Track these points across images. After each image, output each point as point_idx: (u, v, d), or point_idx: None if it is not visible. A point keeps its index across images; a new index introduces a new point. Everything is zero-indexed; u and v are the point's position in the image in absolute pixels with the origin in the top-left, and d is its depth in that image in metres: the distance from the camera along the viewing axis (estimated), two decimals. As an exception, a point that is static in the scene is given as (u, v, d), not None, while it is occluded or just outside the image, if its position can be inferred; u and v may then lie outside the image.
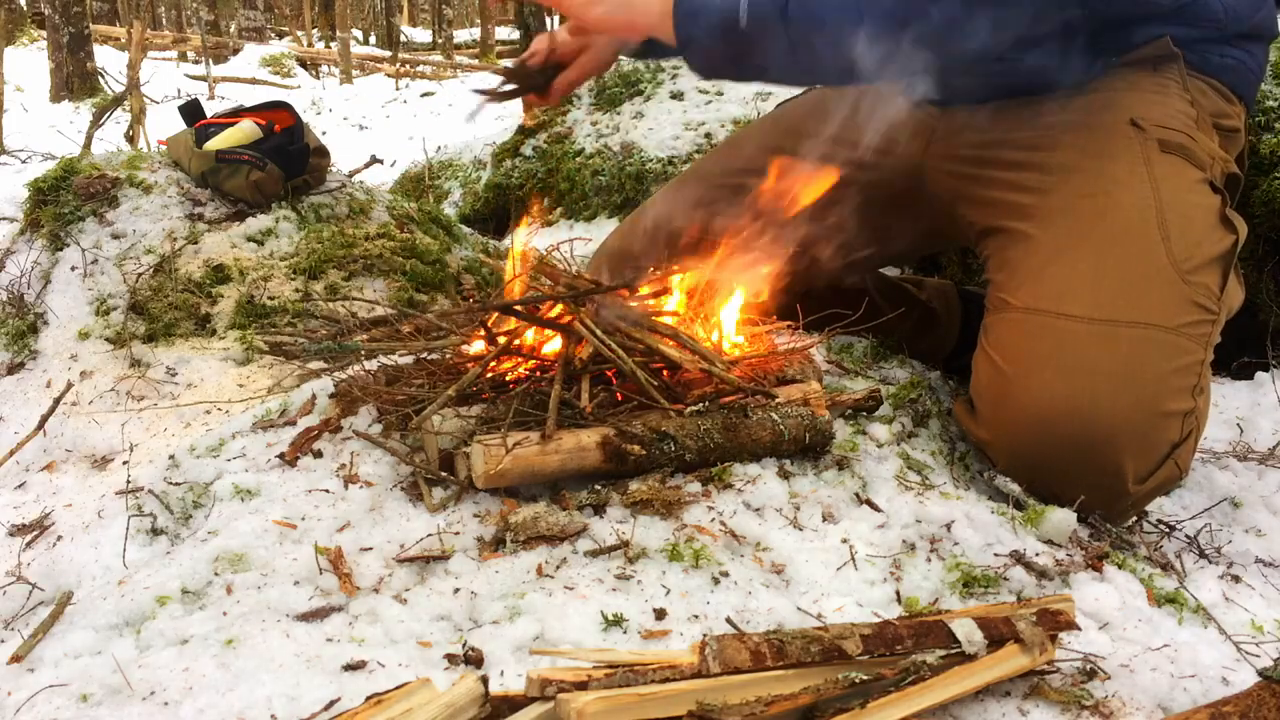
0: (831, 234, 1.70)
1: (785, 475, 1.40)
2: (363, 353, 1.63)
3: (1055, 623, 1.06)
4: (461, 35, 21.85)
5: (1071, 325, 1.46)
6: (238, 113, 2.57)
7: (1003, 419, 1.50)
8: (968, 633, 1.01)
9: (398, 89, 12.71)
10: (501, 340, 1.49)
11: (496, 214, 4.26)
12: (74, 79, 10.74)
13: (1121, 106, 1.58)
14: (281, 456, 1.45)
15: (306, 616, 1.15)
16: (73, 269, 2.20)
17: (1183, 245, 1.49)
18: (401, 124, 10.00)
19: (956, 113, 1.73)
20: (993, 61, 1.56)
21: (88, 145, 4.41)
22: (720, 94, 4.08)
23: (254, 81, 12.85)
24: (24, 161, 6.50)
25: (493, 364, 1.47)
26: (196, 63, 13.87)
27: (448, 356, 1.58)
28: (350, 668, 1.05)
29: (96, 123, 4.62)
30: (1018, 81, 1.64)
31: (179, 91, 10.88)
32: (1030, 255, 1.56)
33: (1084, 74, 1.61)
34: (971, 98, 1.71)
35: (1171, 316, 1.45)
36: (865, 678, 0.95)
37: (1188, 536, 1.53)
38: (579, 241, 1.92)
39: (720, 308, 1.63)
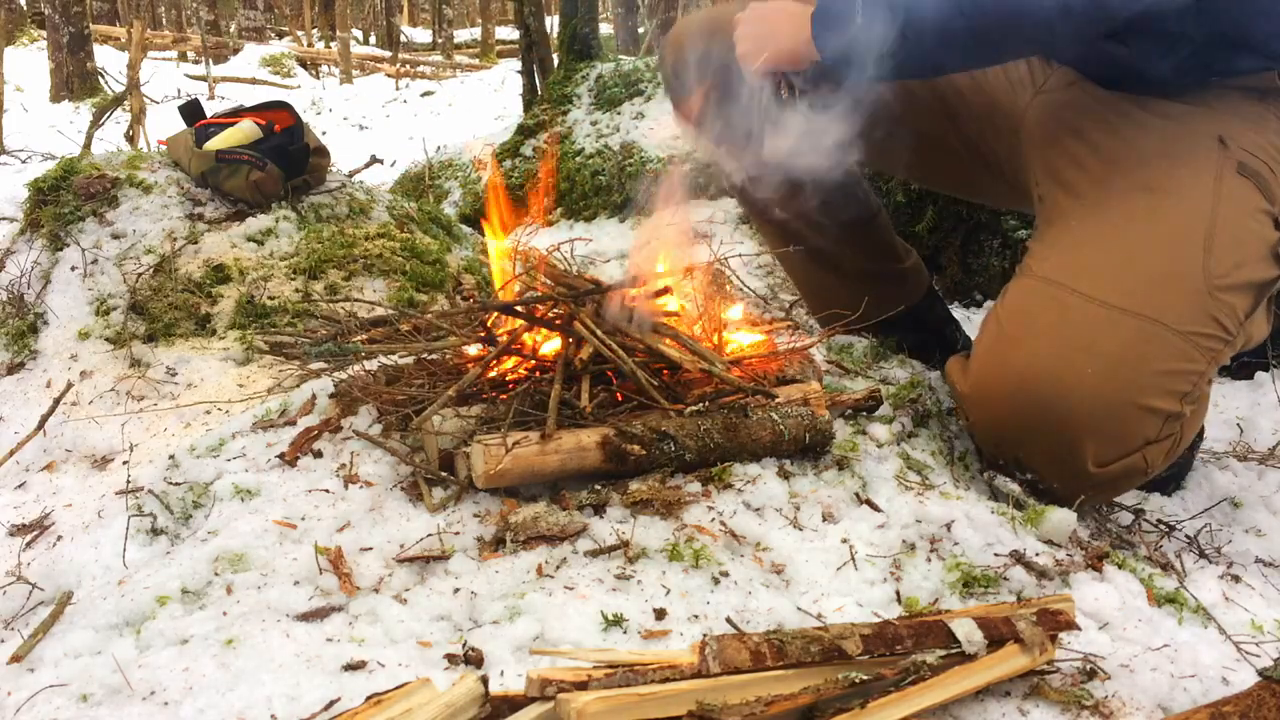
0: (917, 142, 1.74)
1: (785, 475, 1.40)
2: (363, 354, 1.62)
3: (1055, 623, 1.06)
4: (461, 35, 21.84)
5: (1082, 303, 1.46)
6: (238, 113, 2.57)
7: (986, 376, 1.52)
8: (968, 633, 1.01)
9: (398, 89, 12.70)
10: (503, 338, 1.49)
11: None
12: (74, 79, 10.74)
13: (1215, 121, 1.56)
14: (281, 456, 1.45)
15: (306, 616, 1.15)
16: (73, 269, 2.20)
17: (1222, 262, 1.47)
18: (401, 124, 10.00)
19: (1068, 74, 1.72)
20: (1103, 40, 1.56)
21: (88, 145, 4.41)
22: (720, 94, 4.07)
23: (254, 81, 12.83)
24: (24, 161, 6.50)
25: (493, 363, 1.47)
26: (196, 63, 13.86)
27: (448, 357, 1.58)
28: (350, 668, 1.05)
29: (96, 123, 4.62)
30: (1123, 72, 1.63)
31: (179, 91, 10.88)
32: (1068, 232, 1.56)
33: (1188, 83, 1.59)
34: (1082, 67, 1.70)
35: (1184, 321, 1.45)
36: (865, 678, 0.95)
37: (1188, 536, 1.53)
38: (579, 242, 1.93)
39: (720, 308, 1.63)
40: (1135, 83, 1.63)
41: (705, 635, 0.95)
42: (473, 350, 1.57)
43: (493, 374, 1.47)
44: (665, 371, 1.48)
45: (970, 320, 2.57)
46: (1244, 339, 1.53)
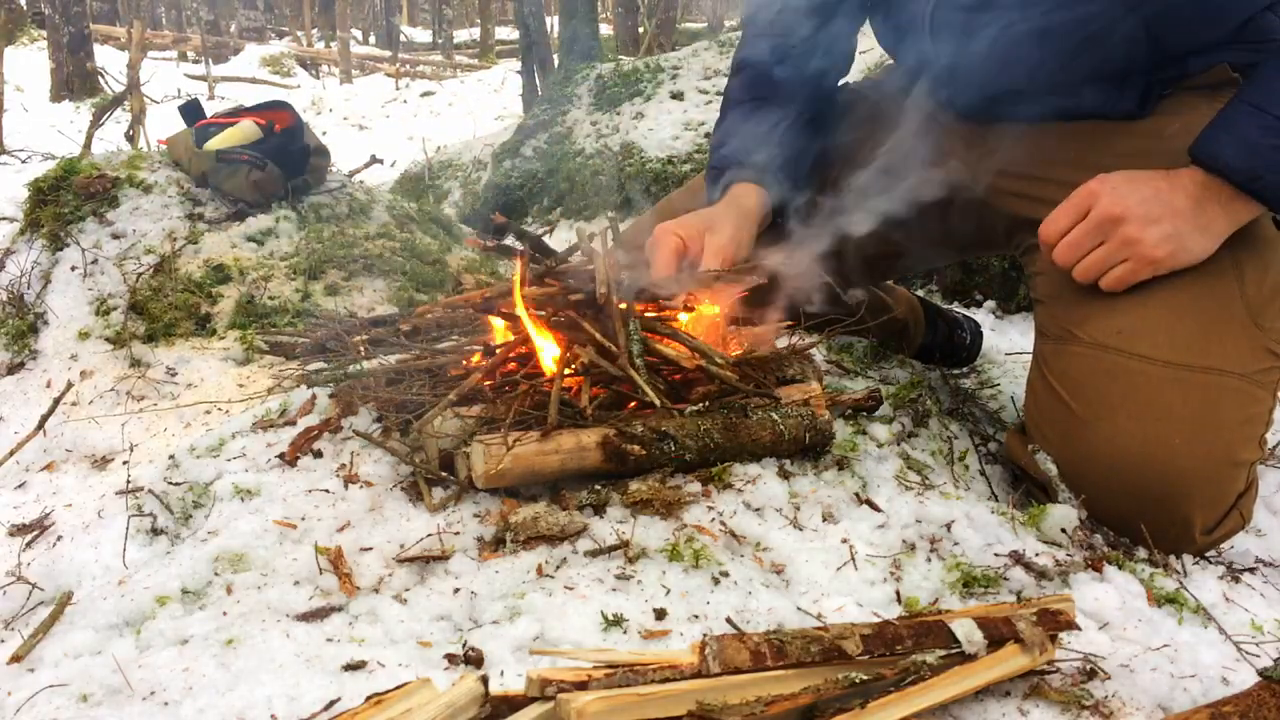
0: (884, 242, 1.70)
1: (785, 475, 1.40)
2: (365, 375, 1.62)
3: (1055, 623, 1.06)
4: (461, 35, 21.84)
5: (1145, 367, 1.41)
6: (238, 113, 2.57)
7: (1071, 459, 1.47)
8: (968, 633, 1.01)
9: (398, 89, 12.70)
10: (508, 336, 1.48)
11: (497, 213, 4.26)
12: (74, 79, 10.74)
13: (1182, 135, 1.50)
14: (281, 456, 1.45)
15: (306, 616, 1.15)
16: (73, 269, 2.20)
17: (1256, 289, 1.45)
18: (401, 124, 10.01)
19: (1009, 128, 1.67)
20: (1048, 93, 1.54)
21: (88, 145, 4.41)
22: (720, 94, 4.08)
23: (254, 81, 12.84)
24: (24, 161, 6.50)
25: (494, 368, 1.46)
26: (196, 63, 13.86)
27: (449, 360, 1.58)
28: (350, 668, 1.05)
29: (96, 123, 4.62)
30: (1073, 105, 1.61)
31: (179, 91, 10.88)
32: (1094, 287, 1.49)
33: (1142, 103, 1.58)
34: (1027, 117, 1.66)
35: (1246, 363, 1.41)
36: (865, 678, 0.95)
37: (1188, 536, 1.52)
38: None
39: (721, 309, 1.63)
40: (1089, 113, 1.61)
41: (705, 635, 0.95)
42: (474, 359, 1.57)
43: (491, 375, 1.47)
44: (676, 375, 1.47)
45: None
46: None
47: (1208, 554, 1.48)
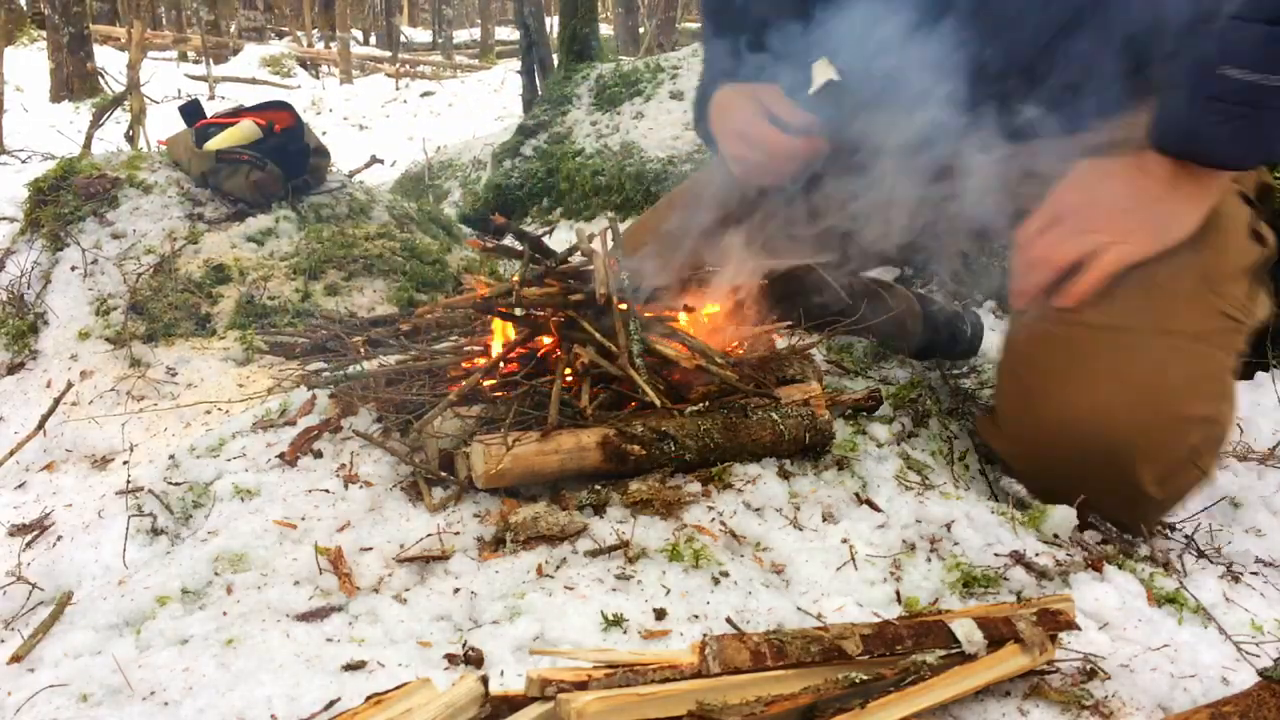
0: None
1: (785, 475, 1.40)
2: (367, 378, 1.62)
3: (1055, 623, 1.06)
4: (461, 35, 21.84)
5: (1091, 334, 1.44)
6: (238, 113, 2.57)
7: (1024, 430, 1.49)
8: (968, 633, 1.01)
9: (398, 89, 12.70)
10: (509, 333, 1.48)
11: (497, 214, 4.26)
12: (74, 79, 10.74)
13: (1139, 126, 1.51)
14: (281, 456, 1.45)
15: (306, 616, 1.15)
16: (73, 269, 2.20)
17: (1214, 253, 1.47)
18: (401, 124, 10.01)
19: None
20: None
21: (88, 145, 4.40)
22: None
23: (254, 81, 12.84)
24: (24, 161, 6.49)
25: (495, 369, 1.46)
26: (196, 63, 13.86)
27: (449, 360, 1.58)
28: (350, 668, 1.05)
29: (96, 123, 4.62)
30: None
31: (179, 91, 10.88)
32: None
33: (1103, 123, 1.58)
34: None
35: (1196, 324, 1.43)
36: (865, 678, 0.95)
37: (1187, 536, 1.52)
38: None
39: (721, 308, 1.63)
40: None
41: (705, 635, 0.95)
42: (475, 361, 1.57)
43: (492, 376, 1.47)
44: (675, 375, 1.47)
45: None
46: (1252, 320, 1.52)
47: (1170, 518, 1.49)
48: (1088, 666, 1.08)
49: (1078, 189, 1.48)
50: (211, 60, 12.78)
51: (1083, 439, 1.41)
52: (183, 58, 14.98)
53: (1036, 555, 1.29)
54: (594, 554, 1.23)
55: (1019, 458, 1.51)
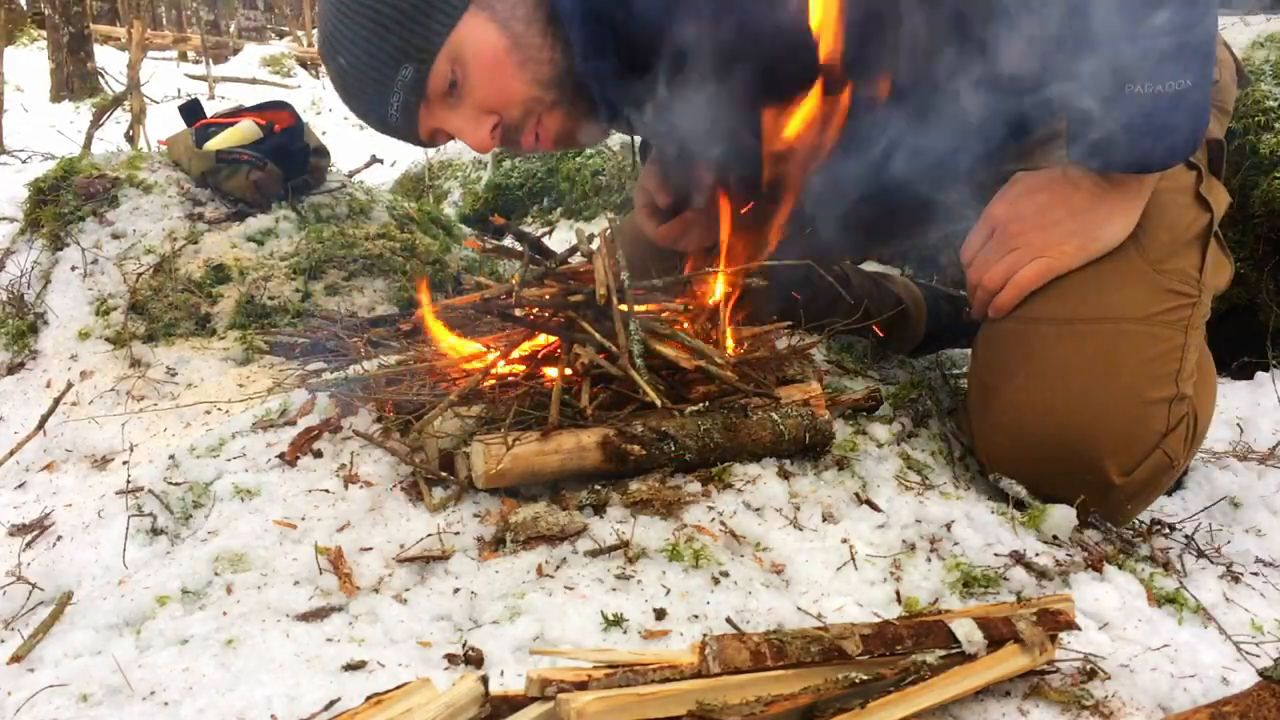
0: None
1: (785, 475, 1.40)
2: (370, 382, 1.61)
3: (1055, 623, 1.06)
4: (461, 35, 21.78)
5: (1040, 329, 1.47)
6: (238, 113, 2.57)
7: (984, 428, 1.52)
8: (968, 633, 1.01)
9: (398, 89, 12.67)
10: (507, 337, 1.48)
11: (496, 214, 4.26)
12: (74, 79, 10.73)
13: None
14: (281, 456, 1.45)
15: (306, 616, 1.15)
16: (73, 269, 2.20)
17: (1153, 235, 1.48)
18: (402, 124, 9.96)
19: None
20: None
21: (88, 145, 4.41)
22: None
23: (254, 81, 12.83)
24: (24, 161, 6.49)
25: (494, 371, 1.46)
26: (196, 63, 13.86)
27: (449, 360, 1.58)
28: (350, 668, 1.05)
29: (96, 123, 4.62)
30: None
31: (179, 91, 10.86)
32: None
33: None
34: None
35: (1143, 307, 1.45)
36: (865, 678, 0.95)
37: (1187, 536, 1.53)
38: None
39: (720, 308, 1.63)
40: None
41: (705, 635, 0.95)
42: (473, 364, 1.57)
43: (493, 378, 1.47)
44: (676, 375, 1.47)
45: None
46: (1211, 289, 1.52)
47: (1137, 508, 1.49)
48: (1088, 666, 1.08)
49: (1007, 203, 1.53)
50: (211, 60, 12.78)
51: (1041, 435, 1.43)
52: (183, 58, 14.98)
53: (1036, 555, 1.29)
54: (594, 554, 1.23)
55: (986, 456, 1.53)
